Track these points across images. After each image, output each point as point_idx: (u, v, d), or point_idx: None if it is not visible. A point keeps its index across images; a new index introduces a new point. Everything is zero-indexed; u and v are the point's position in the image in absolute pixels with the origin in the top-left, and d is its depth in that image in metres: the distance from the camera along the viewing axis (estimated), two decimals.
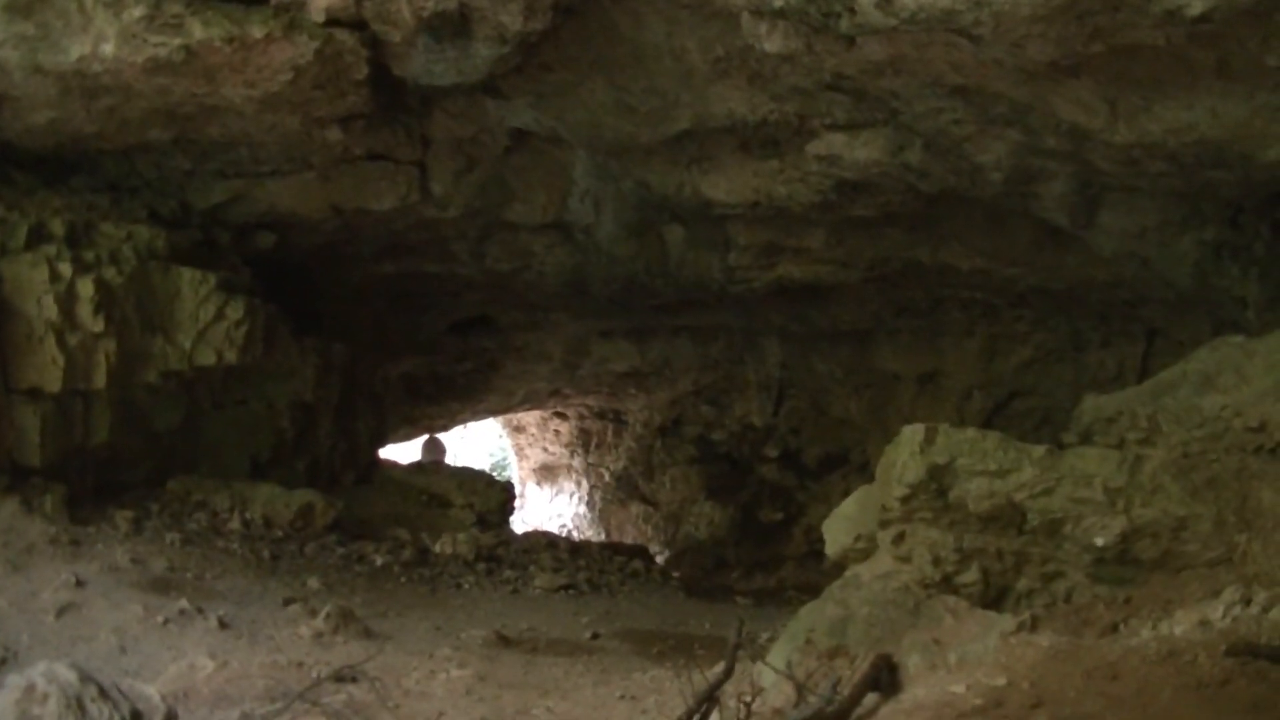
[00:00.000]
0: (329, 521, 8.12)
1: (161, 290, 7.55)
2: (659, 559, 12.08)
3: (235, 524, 7.63)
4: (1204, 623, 3.83)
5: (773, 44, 5.74)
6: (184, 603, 5.81)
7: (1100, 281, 8.20)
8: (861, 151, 6.85)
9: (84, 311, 7.04)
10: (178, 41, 6.37)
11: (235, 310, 7.76)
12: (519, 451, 18.10)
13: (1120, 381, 8.29)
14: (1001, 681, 3.68)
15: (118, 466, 7.60)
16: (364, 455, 10.26)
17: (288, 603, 6.27)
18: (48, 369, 6.89)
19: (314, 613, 6.00)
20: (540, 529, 12.78)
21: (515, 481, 15.80)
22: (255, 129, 7.35)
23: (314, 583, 6.86)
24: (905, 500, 4.83)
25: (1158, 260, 7.17)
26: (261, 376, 8.62)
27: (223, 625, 5.69)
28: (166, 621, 5.58)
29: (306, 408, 9.17)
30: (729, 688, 4.32)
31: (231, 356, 7.78)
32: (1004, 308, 9.66)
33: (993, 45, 5.08)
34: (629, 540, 13.64)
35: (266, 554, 7.29)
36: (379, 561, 7.81)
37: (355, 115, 7.30)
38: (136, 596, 5.83)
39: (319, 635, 5.74)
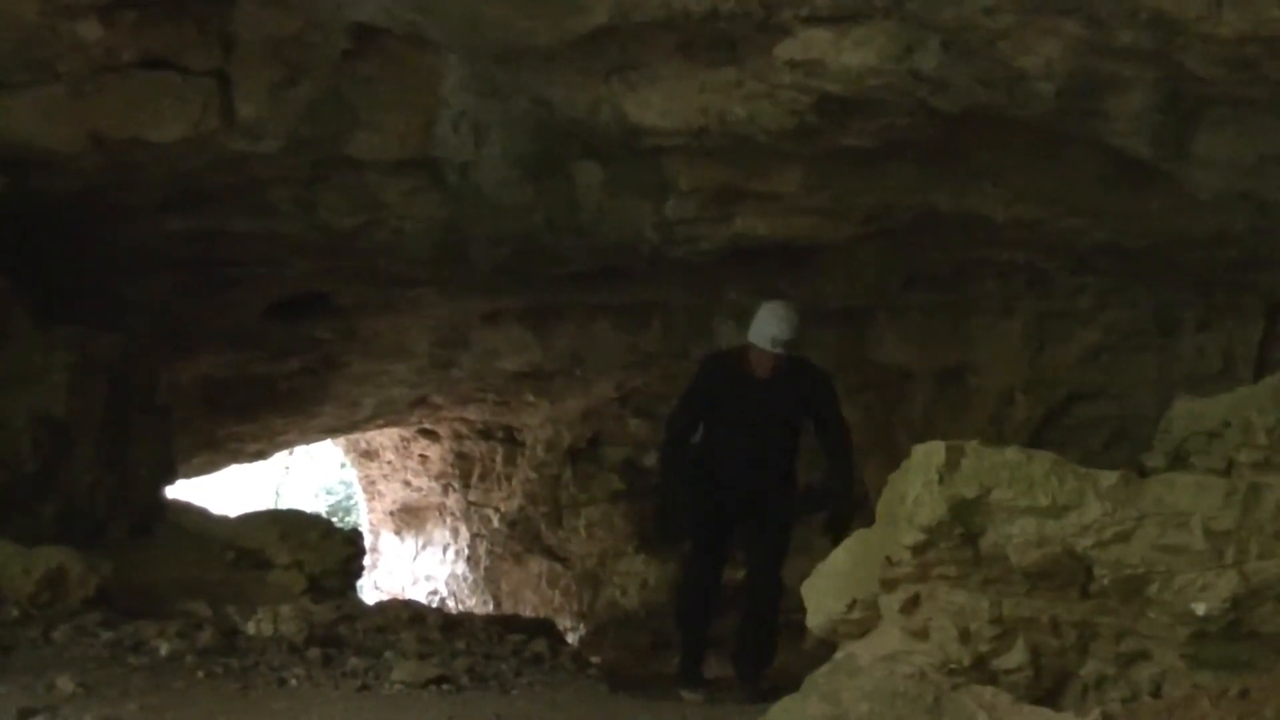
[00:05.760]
0: (90, 593, 8.00)
1: None
2: (571, 638, 12.12)
3: None
4: None
5: None
6: None
7: (1197, 235, 8.22)
8: (854, 55, 6.74)
9: None
10: None
11: None
12: (369, 487, 18.13)
13: (1228, 378, 8.35)
14: None
15: None
16: (143, 495, 10.19)
17: (26, 716, 6.02)
18: None
19: None
20: (401, 597, 12.79)
21: (364, 530, 15.82)
22: None
23: (66, 684, 6.62)
24: (919, 549, 4.83)
25: None
26: None
27: None
28: None
29: (57, 427, 9.05)
30: None
31: None
32: (1059, 275, 9.70)
33: None
34: (528, 612, 13.68)
35: None
36: (164, 649, 7.63)
37: (123, 1, 7.19)
38: None
39: None
